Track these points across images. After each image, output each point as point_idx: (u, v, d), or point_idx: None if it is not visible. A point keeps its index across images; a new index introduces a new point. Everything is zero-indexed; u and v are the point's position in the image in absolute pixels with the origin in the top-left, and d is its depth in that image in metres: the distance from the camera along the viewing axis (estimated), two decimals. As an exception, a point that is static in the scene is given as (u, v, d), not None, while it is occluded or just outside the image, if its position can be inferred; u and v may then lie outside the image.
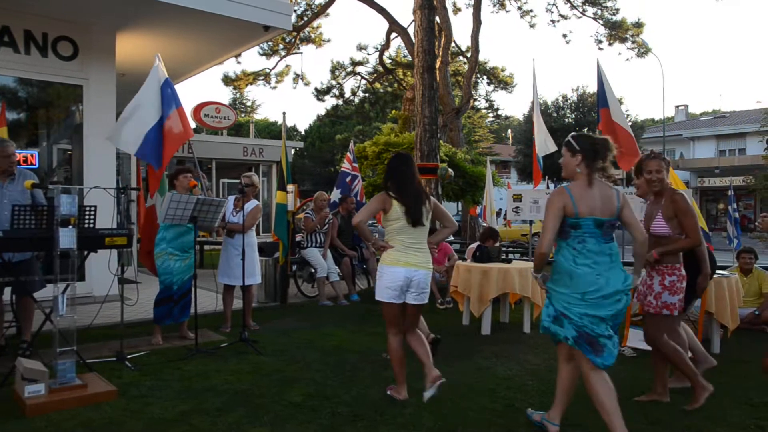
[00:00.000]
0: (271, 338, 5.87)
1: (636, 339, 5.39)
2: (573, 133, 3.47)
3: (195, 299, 5.49)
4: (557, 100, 34.59)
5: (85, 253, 4.79)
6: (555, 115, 33.53)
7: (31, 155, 7.63)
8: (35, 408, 3.71)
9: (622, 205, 3.34)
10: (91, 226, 4.69)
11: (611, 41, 22.01)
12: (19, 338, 5.20)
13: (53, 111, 8.09)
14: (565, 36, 39.90)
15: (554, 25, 34.45)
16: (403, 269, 3.93)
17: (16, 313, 5.22)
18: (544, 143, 9.07)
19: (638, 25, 21.55)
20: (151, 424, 3.61)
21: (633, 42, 21.81)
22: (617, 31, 21.53)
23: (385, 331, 4.11)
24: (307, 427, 3.60)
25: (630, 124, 8.77)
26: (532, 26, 21.41)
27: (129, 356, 4.95)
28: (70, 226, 4.06)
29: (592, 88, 34.68)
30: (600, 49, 22.46)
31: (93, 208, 4.72)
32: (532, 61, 10.61)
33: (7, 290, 5.18)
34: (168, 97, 5.73)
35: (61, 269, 4.08)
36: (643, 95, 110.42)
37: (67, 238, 4.04)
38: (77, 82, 7.71)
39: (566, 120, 33.04)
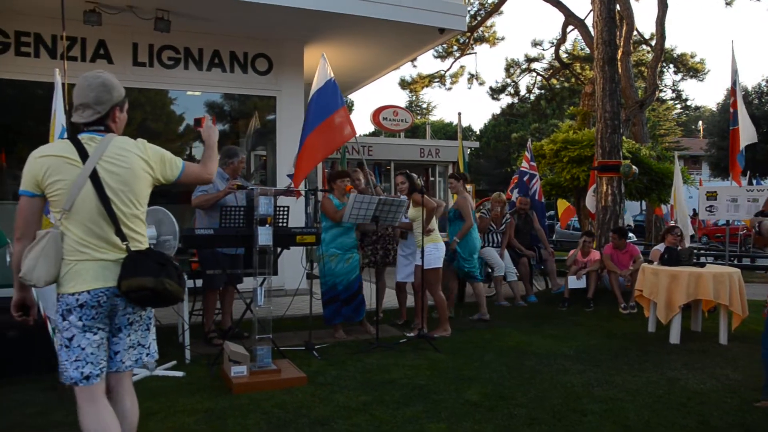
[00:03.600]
0: (447, 336, 5.97)
1: None
2: (454, 172, 6.59)
3: (378, 295, 5.74)
4: (759, 85, 30.89)
5: (279, 249, 5.21)
6: (757, 102, 29.98)
7: (234, 162, 8.51)
8: (240, 387, 4.16)
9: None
10: (284, 225, 5.14)
11: (834, 8, 19.00)
12: (221, 324, 5.83)
13: (251, 121, 8.95)
14: (771, 11, 35.14)
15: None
16: (443, 243, 6.17)
17: (221, 301, 5.86)
18: (747, 132, 8.13)
19: None
20: (337, 410, 3.86)
21: None
22: (844, -6, 18.53)
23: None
24: (484, 426, 3.61)
25: None
26: (728, 3, 18.95)
27: (316, 346, 5.33)
28: (267, 225, 4.48)
29: (805, 69, 30.52)
30: (818, 19, 19.40)
31: (286, 209, 5.16)
32: (731, 43, 9.53)
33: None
34: (333, 97, 5.94)
35: (259, 264, 4.52)
36: None
37: (264, 236, 4.46)
38: (271, 93, 8.47)
39: (770, 107, 29.43)
